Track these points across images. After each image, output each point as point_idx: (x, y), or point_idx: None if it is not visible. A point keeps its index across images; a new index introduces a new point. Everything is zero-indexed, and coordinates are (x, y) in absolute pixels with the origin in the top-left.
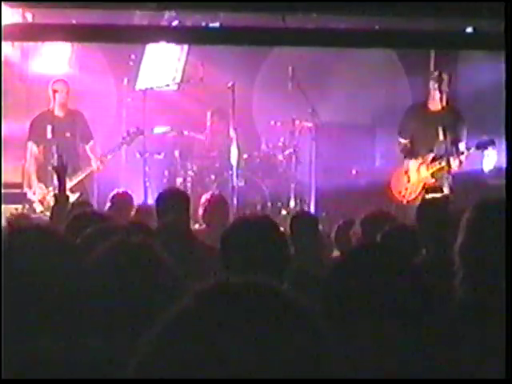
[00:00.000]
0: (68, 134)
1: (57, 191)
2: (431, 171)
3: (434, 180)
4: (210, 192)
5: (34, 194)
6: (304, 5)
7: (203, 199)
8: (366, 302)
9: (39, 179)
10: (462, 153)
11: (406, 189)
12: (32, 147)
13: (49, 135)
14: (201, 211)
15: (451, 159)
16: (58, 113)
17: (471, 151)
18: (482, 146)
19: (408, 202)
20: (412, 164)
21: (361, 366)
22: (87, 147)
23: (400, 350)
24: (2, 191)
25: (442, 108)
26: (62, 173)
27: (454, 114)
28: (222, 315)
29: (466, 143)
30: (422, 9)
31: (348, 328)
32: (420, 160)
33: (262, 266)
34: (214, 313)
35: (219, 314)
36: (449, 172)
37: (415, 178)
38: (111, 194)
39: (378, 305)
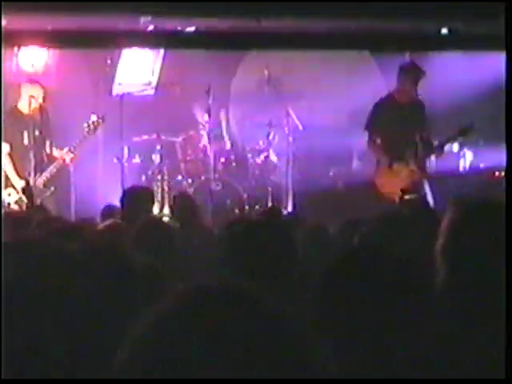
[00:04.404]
0: (37, 132)
1: None
2: (419, 164)
3: (421, 173)
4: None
5: (10, 195)
6: (279, 8)
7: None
8: (355, 305)
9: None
10: (445, 145)
11: (397, 185)
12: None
13: (25, 140)
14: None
15: (434, 150)
16: (25, 111)
17: (456, 140)
18: (462, 132)
19: (401, 199)
20: (397, 162)
21: (348, 366)
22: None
23: (385, 348)
24: None
25: (411, 100)
26: None
27: (422, 108)
28: (200, 317)
29: (439, 139)
30: (399, 10)
31: (337, 331)
32: (401, 157)
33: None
34: (192, 315)
35: (197, 316)
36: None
37: (405, 173)
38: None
39: (366, 305)
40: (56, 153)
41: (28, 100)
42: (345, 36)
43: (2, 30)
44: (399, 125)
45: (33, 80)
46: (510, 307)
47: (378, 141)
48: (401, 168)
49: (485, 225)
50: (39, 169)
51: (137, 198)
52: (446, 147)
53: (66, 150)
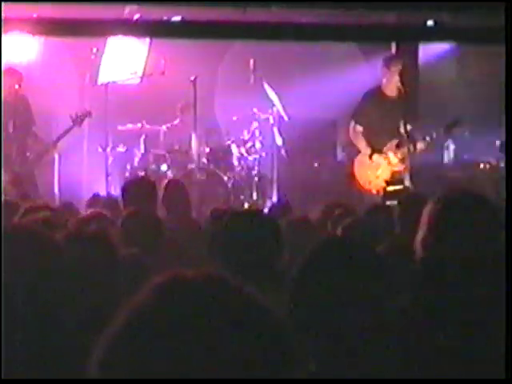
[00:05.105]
0: (19, 121)
1: None
2: (400, 157)
3: (402, 166)
4: (169, 178)
5: None
6: None
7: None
8: (335, 296)
9: None
10: (426, 138)
11: (377, 177)
12: None
13: (10, 129)
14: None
15: (417, 144)
16: (6, 99)
17: (441, 134)
18: (449, 128)
19: (378, 191)
20: (378, 154)
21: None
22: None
23: (366, 340)
24: None
25: (399, 93)
26: None
27: (411, 101)
28: (177, 308)
29: (423, 132)
30: (387, 2)
31: (319, 323)
32: (384, 148)
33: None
34: (170, 306)
35: (175, 306)
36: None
37: (385, 166)
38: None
39: (346, 299)
40: (40, 144)
41: (9, 89)
42: (331, 28)
43: (2, 19)
44: (383, 117)
45: (12, 69)
46: (510, 302)
47: (361, 131)
48: (381, 160)
49: (464, 218)
50: (23, 158)
51: (139, 189)
52: (429, 140)
53: (49, 143)
